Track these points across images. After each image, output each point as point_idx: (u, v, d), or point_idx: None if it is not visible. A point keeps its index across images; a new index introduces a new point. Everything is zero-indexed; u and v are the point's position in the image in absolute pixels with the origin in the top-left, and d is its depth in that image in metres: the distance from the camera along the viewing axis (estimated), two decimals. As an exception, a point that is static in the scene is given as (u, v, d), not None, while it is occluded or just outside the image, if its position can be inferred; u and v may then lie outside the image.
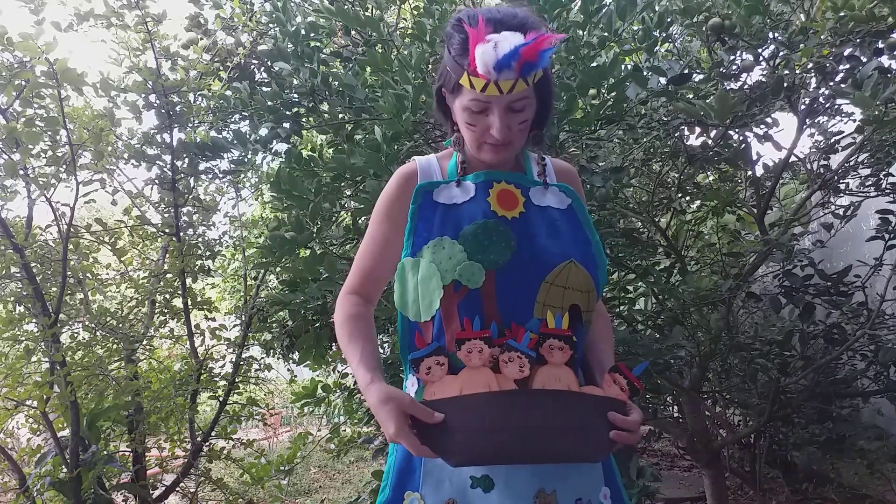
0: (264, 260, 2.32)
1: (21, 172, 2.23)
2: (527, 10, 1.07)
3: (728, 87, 2.18)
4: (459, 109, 1.09)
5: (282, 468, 2.95)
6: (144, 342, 2.78)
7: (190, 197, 2.75)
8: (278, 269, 2.63)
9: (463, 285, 1.04)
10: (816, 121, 2.40)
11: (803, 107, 2.21)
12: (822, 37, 1.93)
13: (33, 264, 2.34)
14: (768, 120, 2.18)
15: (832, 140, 2.36)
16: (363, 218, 2.27)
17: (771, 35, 2.09)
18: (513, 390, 0.97)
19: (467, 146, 1.14)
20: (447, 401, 0.97)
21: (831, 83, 2.06)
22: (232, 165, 2.68)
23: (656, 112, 2.15)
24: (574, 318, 1.05)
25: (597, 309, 1.19)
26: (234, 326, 3.08)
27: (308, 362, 2.65)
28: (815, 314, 2.24)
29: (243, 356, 2.97)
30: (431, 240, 1.07)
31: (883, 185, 2.32)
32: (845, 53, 1.99)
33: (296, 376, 3.70)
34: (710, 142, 2.30)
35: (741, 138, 2.34)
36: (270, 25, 2.77)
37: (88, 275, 2.61)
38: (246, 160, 2.60)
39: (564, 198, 1.15)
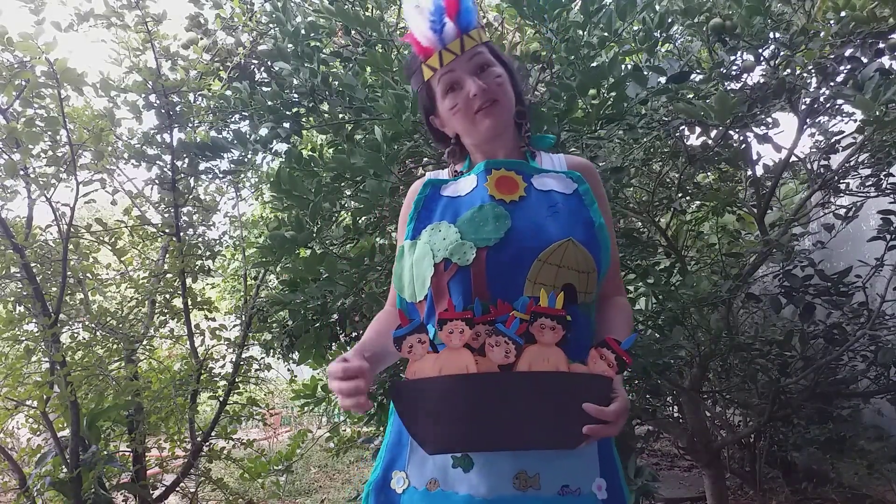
0: (264, 260, 2.32)
1: (21, 172, 2.23)
2: None
3: (728, 88, 2.18)
4: (443, 106, 1.15)
5: (280, 465, 2.95)
6: (144, 342, 2.78)
7: (190, 197, 2.75)
8: (278, 269, 2.63)
9: (453, 262, 1.04)
10: (817, 121, 2.39)
11: (804, 107, 2.21)
12: (822, 36, 1.93)
13: (33, 264, 2.34)
14: (768, 120, 2.18)
15: (832, 140, 2.35)
16: (363, 218, 2.26)
17: (772, 35, 2.08)
18: (486, 374, 0.96)
19: (467, 141, 1.19)
20: (424, 381, 0.98)
21: (832, 84, 2.06)
22: (232, 165, 2.67)
23: (656, 112, 2.15)
24: (569, 299, 1.03)
25: (617, 303, 1.18)
26: (234, 326, 3.08)
27: (308, 362, 2.65)
28: (816, 314, 2.24)
29: (243, 356, 2.97)
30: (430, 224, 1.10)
31: (883, 186, 2.32)
32: (846, 54, 1.98)
33: (296, 376, 3.69)
34: (710, 142, 2.30)
35: (741, 138, 2.34)
36: (270, 25, 2.77)
37: (88, 275, 2.61)
38: (246, 160, 2.59)
39: (570, 183, 1.16)
